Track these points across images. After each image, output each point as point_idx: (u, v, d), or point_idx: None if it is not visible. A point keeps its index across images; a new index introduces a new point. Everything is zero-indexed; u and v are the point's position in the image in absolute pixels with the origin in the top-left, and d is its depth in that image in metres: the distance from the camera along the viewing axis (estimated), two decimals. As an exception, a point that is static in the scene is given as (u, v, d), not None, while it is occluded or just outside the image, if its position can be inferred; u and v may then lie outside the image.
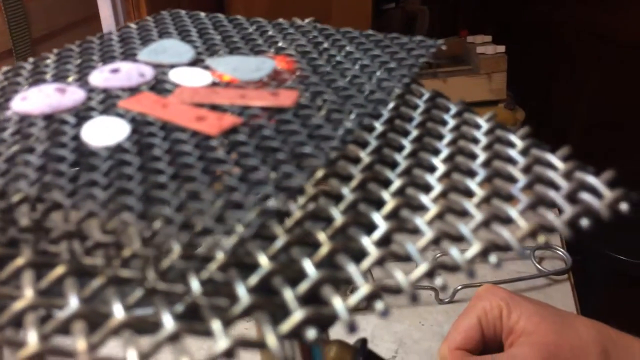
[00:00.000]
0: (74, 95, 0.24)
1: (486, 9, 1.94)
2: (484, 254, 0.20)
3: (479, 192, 0.23)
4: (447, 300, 0.73)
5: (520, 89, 1.45)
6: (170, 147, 0.21)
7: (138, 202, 0.18)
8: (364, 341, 0.37)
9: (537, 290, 0.75)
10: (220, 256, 0.18)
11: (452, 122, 0.28)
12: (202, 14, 0.36)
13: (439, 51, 1.12)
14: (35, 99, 0.24)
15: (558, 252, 0.80)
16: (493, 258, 0.19)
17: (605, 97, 1.78)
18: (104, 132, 0.22)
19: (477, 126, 0.28)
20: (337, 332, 0.23)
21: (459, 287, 0.73)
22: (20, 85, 0.27)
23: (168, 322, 0.16)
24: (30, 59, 0.29)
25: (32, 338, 0.16)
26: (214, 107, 0.24)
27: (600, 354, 0.47)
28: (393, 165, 0.25)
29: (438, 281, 0.19)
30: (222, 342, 0.16)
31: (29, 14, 0.86)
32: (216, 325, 0.16)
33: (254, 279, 0.18)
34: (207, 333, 0.16)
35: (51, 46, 1.03)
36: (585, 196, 0.22)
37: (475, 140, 0.26)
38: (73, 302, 0.17)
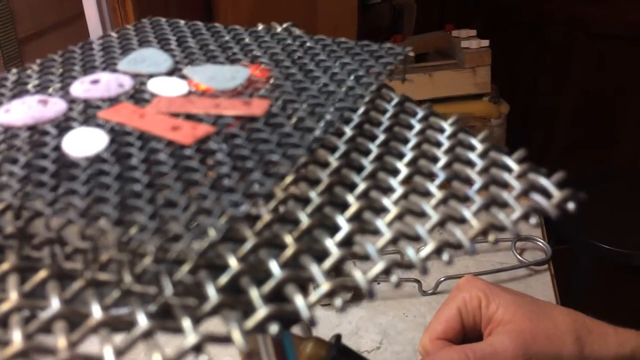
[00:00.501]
0: (56, 106, 0.26)
1: (473, 2, 1.95)
2: (437, 252, 0.21)
3: (438, 194, 0.24)
4: (430, 292, 0.75)
5: (505, 81, 1.47)
6: (146, 157, 0.23)
7: (114, 210, 0.20)
8: (338, 337, 0.39)
9: (517, 281, 0.78)
10: (191, 259, 0.19)
11: (418, 126, 0.29)
12: (182, 22, 0.37)
13: (425, 46, 1.13)
14: (18, 111, 0.25)
15: (538, 243, 0.82)
16: (446, 256, 0.21)
17: (591, 89, 1.81)
18: (84, 143, 0.23)
19: (442, 130, 0.29)
20: (323, 332, 0.25)
21: (442, 279, 0.75)
22: (4, 97, 0.28)
23: (142, 321, 0.18)
24: (14, 70, 0.30)
25: (16, 337, 0.17)
26: (190, 117, 0.26)
27: (574, 341, 0.49)
28: (359, 169, 0.26)
29: (393, 278, 0.20)
30: (191, 338, 0.17)
31: (14, 13, 0.87)
32: (186, 322, 0.18)
33: (223, 279, 0.19)
34: (178, 330, 0.18)
35: (38, 46, 1.03)
36: (536, 196, 0.24)
37: (439, 144, 0.28)
38: (54, 304, 0.18)
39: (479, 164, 0.26)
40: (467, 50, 1.36)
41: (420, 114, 0.31)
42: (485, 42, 1.36)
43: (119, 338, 0.18)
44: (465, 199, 0.24)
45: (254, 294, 0.19)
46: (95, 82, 0.28)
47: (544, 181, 0.24)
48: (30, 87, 0.28)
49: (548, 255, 0.79)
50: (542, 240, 0.82)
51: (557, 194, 0.24)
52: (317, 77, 0.30)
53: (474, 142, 0.28)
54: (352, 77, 0.30)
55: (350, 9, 1.45)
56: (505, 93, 1.43)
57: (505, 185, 0.25)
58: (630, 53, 1.71)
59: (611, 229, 1.30)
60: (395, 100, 0.32)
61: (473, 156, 0.27)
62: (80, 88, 0.27)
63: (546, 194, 0.24)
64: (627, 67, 1.73)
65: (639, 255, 1.28)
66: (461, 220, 0.23)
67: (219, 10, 1.36)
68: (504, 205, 0.24)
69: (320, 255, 0.21)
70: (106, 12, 1.02)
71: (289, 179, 0.24)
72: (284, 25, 0.41)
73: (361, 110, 0.29)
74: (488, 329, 0.52)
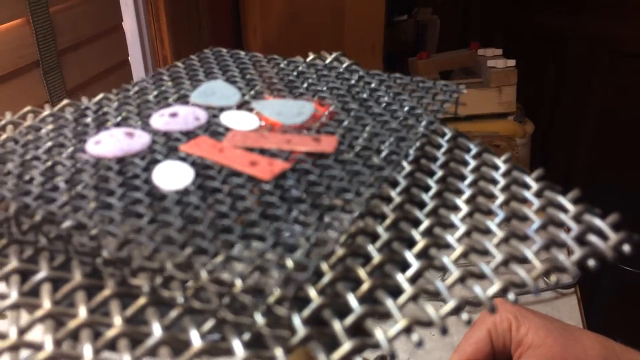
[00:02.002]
0: (141, 139, 0.28)
1: (496, 19, 1.97)
2: (503, 292, 0.23)
3: (499, 233, 0.26)
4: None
5: (529, 100, 1.48)
6: (230, 191, 0.25)
7: (210, 244, 0.21)
8: (382, 358, 0.40)
9: (544, 304, 0.78)
10: (277, 291, 0.21)
11: (472, 163, 0.31)
12: (242, 53, 0.39)
13: (450, 64, 1.15)
14: (108, 143, 0.27)
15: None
16: (511, 296, 0.23)
17: (613, 109, 1.81)
18: (172, 176, 0.25)
19: (495, 167, 0.31)
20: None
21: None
22: (88, 127, 0.30)
23: (239, 349, 0.19)
24: (93, 100, 0.33)
25: (127, 361, 0.19)
26: (263, 151, 0.28)
27: None
28: (421, 204, 0.28)
29: (464, 316, 0.22)
30: (285, 369, 0.19)
31: (54, 25, 0.89)
32: (279, 352, 0.20)
33: (307, 312, 0.21)
34: (272, 359, 0.19)
35: (76, 57, 1.05)
36: (593, 238, 0.25)
37: (494, 182, 0.30)
38: (157, 330, 0.20)
39: (536, 203, 0.28)
40: (493, 70, 1.37)
41: (474, 150, 0.32)
42: (512, 62, 1.37)
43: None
44: (524, 238, 0.26)
45: (338, 327, 0.20)
46: (173, 115, 0.30)
47: (599, 223, 0.26)
48: (111, 118, 0.30)
49: (575, 279, 0.80)
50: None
51: (613, 237, 0.25)
52: (378, 114, 0.31)
53: (529, 180, 0.29)
54: (412, 115, 0.31)
55: (377, 25, 1.47)
56: (528, 112, 1.44)
57: (562, 225, 0.26)
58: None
59: (635, 252, 1.30)
60: (449, 134, 0.33)
61: (529, 195, 0.28)
62: (160, 121, 0.29)
63: (602, 236, 0.25)
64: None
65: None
66: (523, 260, 0.24)
67: (248, 26, 1.39)
68: (562, 246, 0.25)
69: (393, 290, 0.23)
70: (144, 23, 1.05)
71: (355, 213, 0.26)
72: (334, 55, 0.43)
73: (416, 144, 0.31)
74: (518, 352, 0.53)
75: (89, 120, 0.30)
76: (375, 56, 1.61)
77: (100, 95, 0.33)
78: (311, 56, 0.44)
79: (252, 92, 0.33)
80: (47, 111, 0.35)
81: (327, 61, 0.42)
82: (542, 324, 0.53)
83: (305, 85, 0.34)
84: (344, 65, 0.37)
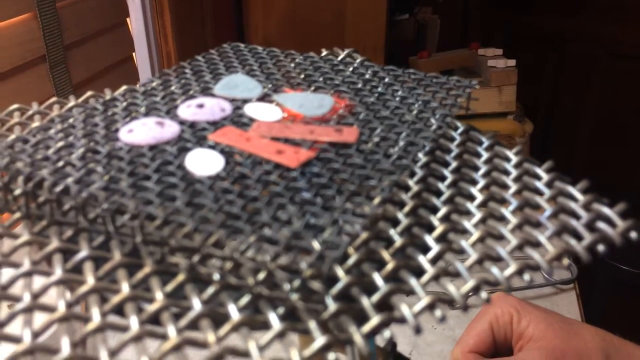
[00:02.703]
0: (171, 128, 0.29)
1: (496, 20, 1.98)
2: (519, 273, 0.24)
3: (513, 219, 0.27)
4: (458, 305, 0.77)
5: (528, 99, 1.49)
6: (259, 177, 0.26)
7: (245, 224, 0.23)
8: (393, 344, 0.42)
9: (544, 299, 0.80)
10: (306, 269, 0.22)
11: (485, 155, 0.32)
12: (260, 48, 0.40)
13: (451, 63, 1.17)
14: (141, 132, 0.28)
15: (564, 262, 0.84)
16: (527, 276, 0.24)
17: (611, 109, 1.83)
18: (204, 163, 0.26)
19: (507, 159, 0.32)
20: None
21: (471, 294, 0.77)
22: (118, 115, 0.31)
23: (275, 322, 0.21)
24: (118, 91, 0.34)
25: (171, 332, 0.20)
26: (288, 141, 0.29)
27: None
28: (438, 193, 0.29)
29: (483, 294, 0.23)
30: (320, 339, 0.20)
31: (61, 20, 0.90)
32: (312, 324, 0.21)
33: (336, 289, 0.22)
34: (306, 331, 0.21)
35: (82, 52, 1.06)
36: (602, 225, 0.27)
37: (507, 172, 0.31)
38: (197, 304, 0.21)
39: (547, 192, 0.29)
40: (494, 69, 1.39)
41: (486, 142, 0.34)
42: (512, 62, 1.39)
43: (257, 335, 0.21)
44: (537, 225, 0.27)
45: (366, 303, 0.22)
46: (200, 106, 0.31)
47: (608, 211, 0.27)
48: (139, 108, 0.32)
49: (574, 275, 0.82)
50: (568, 260, 0.84)
51: (621, 224, 0.26)
52: (395, 107, 0.33)
53: (540, 171, 0.31)
54: (427, 108, 0.33)
55: (379, 24, 1.49)
56: (528, 112, 1.46)
57: (572, 214, 0.28)
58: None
59: (630, 251, 1.32)
60: (461, 128, 0.35)
61: (540, 185, 0.30)
62: (188, 111, 0.31)
63: (610, 223, 0.27)
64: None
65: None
66: (537, 245, 0.26)
67: (250, 25, 1.41)
68: (573, 232, 0.26)
69: (416, 271, 0.24)
70: (150, 18, 1.06)
71: (377, 200, 0.27)
72: (346, 51, 0.45)
73: (433, 136, 0.32)
74: (519, 345, 0.55)
75: (118, 110, 0.32)
76: (377, 55, 1.63)
77: (124, 87, 0.34)
78: (324, 52, 0.45)
79: (272, 86, 0.35)
80: (72, 102, 0.36)
81: (340, 57, 0.43)
82: (542, 317, 0.55)
83: (322, 79, 0.36)
84: (358, 60, 0.38)
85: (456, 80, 0.35)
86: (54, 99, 0.37)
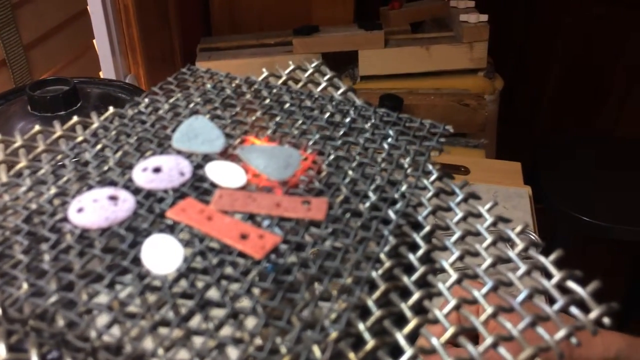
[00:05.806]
0: (125, 204, 0.27)
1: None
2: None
3: (488, 309, 0.26)
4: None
5: (497, 55, 1.47)
6: (222, 275, 0.24)
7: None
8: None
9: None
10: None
11: (459, 213, 0.31)
12: (222, 74, 0.38)
13: (422, 14, 1.14)
14: (92, 211, 0.26)
15: (531, 236, 0.86)
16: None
17: (576, 64, 1.83)
18: (162, 257, 0.24)
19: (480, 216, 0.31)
20: None
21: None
22: (69, 183, 0.29)
23: None
24: (72, 143, 0.31)
25: None
26: (252, 217, 0.27)
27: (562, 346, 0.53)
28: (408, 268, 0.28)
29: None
30: None
31: (17, 20, 0.84)
32: None
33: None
34: None
35: (43, 50, 1.00)
36: (576, 312, 0.26)
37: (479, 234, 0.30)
38: None
39: (522, 267, 0.28)
40: (466, 24, 1.36)
41: (460, 196, 0.32)
42: (484, 17, 1.36)
43: None
44: (510, 311, 0.26)
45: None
46: (157, 170, 0.29)
47: (582, 293, 0.27)
48: (93, 175, 0.29)
49: (539, 248, 0.83)
50: (533, 234, 0.86)
51: (595, 310, 0.26)
52: (366, 164, 0.31)
53: (512, 235, 0.30)
54: (403, 167, 0.31)
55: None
56: (497, 67, 1.44)
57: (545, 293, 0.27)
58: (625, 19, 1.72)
59: (590, 202, 1.36)
60: (434, 175, 0.33)
61: (513, 255, 0.29)
62: (144, 177, 0.28)
63: (584, 308, 0.26)
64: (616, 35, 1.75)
65: (614, 229, 1.35)
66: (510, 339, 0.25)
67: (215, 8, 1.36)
68: (546, 319, 0.26)
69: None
70: (110, 9, 0.99)
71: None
72: (314, 64, 0.42)
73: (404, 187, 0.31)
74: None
75: (68, 172, 0.29)
76: (347, 5, 1.57)
77: (80, 138, 0.31)
78: (291, 66, 0.42)
79: (235, 132, 0.32)
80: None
81: (307, 74, 0.41)
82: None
83: (288, 120, 0.34)
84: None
85: (430, 124, 0.34)
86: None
